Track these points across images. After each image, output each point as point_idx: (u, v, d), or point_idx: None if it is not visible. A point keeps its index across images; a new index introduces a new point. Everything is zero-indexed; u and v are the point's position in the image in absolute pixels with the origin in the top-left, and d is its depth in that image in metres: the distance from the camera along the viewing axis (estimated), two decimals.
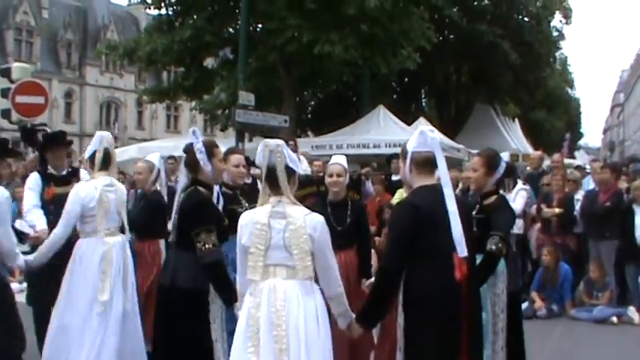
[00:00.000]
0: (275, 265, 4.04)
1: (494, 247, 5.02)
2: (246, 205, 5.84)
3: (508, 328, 5.26)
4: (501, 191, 5.69)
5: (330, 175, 6.26)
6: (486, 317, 4.99)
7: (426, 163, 4.29)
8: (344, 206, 6.27)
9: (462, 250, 4.06)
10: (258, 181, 5.78)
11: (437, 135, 4.36)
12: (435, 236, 4.11)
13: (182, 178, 5.53)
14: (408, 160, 4.34)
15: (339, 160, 6.41)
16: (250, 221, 4.09)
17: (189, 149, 5.15)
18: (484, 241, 5.02)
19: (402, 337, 4.20)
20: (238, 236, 4.14)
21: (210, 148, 5.10)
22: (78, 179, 6.99)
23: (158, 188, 7.52)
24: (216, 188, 5.46)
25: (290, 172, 4.17)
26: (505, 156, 5.80)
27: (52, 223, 6.32)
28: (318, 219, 4.10)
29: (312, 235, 4.02)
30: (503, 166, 5.49)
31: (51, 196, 6.88)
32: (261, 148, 4.19)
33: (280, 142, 4.24)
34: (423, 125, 20.56)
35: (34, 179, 7.02)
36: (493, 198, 5.42)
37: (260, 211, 4.11)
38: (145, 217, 7.23)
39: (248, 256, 4.07)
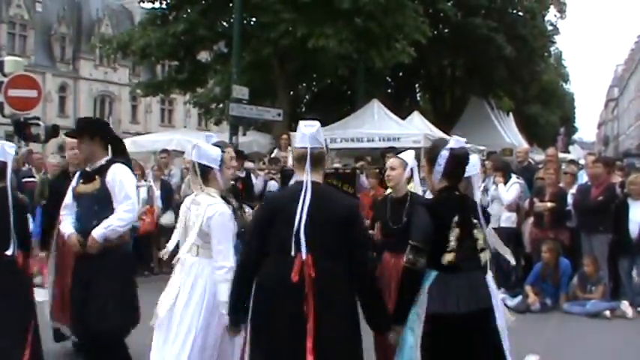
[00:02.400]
0: (191, 243, 4.88)
1: (405, 259, 4.37)
2: (234, 203, 5.61)
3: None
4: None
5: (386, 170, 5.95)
6: (413, 340, 4.33)
7: (300, 159, 4.33)
8: (402, 204, 5.72)
9: (304, 251, 4.07)
10: (252, 175, 5.83)
11: (311, 130, 4.33)
12: (282, 233, 4.14)
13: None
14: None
15: (402, 154, 5.99)
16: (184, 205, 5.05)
17: None
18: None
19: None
20: None
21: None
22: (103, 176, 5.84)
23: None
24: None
25: (202, 169, 4.95)
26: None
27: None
28: (216, 209, 4.81)
29: (207, 221, 4.77)
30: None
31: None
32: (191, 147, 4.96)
33: (197, 142, 4.91)
34: (416, 119, 20.61)
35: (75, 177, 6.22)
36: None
37: (189, 198, 5.08)
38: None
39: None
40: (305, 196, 4.15)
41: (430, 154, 4.48)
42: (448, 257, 4.22)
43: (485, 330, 4.30)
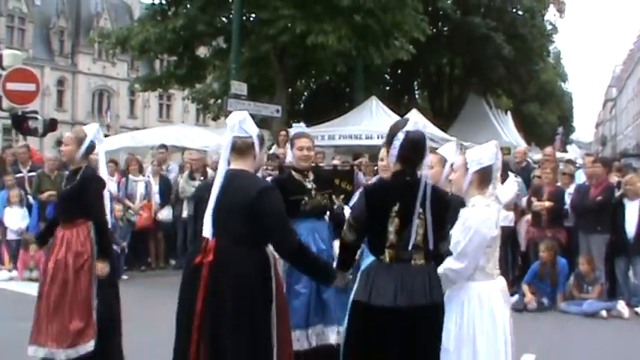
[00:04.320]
0: None
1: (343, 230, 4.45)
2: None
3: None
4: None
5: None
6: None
7: (233, 148, 4.37)
8: None
9: (210, 235, 4.19)
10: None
11: (233, 121, 4.38)
12: (203, 218, 4.27)
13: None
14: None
15: (441, 149, 5.68)
16: None
17: None
18: None
19: None
20: None
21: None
22: None
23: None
24: None
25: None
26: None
27: None
28: None
29: None
30: None
31: None
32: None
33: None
34: (414, 116, 20.64)
35: None
36: None
37: None
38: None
39: None
40: (217, 183, 4.26)
41: (388, 135, 4.31)
42: (388, 253, 4.14)
43: (421, 329, 4.10)
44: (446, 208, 4.29)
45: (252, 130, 4.41)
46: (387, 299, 4.04)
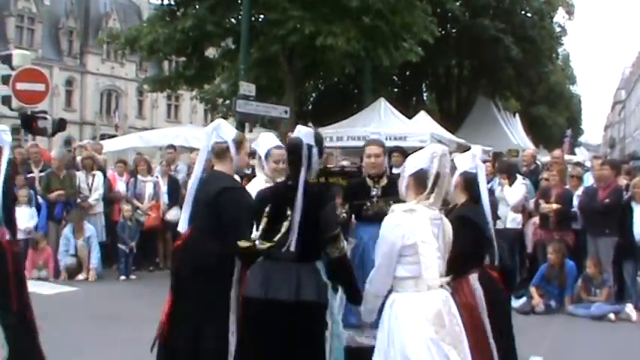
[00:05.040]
0: None
1: None
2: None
3: None
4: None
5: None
6: None
7: (212, 153, 5.07)
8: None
9: (185, 225, 5.04)
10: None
11: (207, 130, 5.09)
12: None
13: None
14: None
15: (458, 156, 5.41)
16: None
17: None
18: None
19: None
20: None
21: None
22: None
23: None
24: None
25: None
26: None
27: None
28: None
29: None
30: None
31: None
32: None
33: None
34: (422, 118, 20.56)
35: None
36: None
37: None
38: None
39: None
40: (193, 182, 5.05)
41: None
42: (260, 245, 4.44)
43: (295, 326, 4.29)
44: (320, 212, 4.44)
45: (228, 136, 5.00)
46: (254, 291, 4.37)
